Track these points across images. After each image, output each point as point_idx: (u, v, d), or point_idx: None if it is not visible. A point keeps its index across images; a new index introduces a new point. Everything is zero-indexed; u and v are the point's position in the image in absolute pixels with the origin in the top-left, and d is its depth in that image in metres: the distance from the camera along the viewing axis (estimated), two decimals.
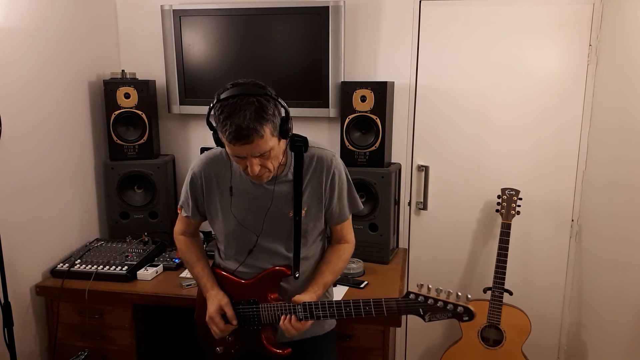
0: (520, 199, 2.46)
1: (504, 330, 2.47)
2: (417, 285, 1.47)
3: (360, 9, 2.60)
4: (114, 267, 2.30)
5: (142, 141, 2.63)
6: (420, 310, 1.45)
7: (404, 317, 2.74)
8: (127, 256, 2.40)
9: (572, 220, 2.62)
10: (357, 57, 2.65)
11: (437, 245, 2.79)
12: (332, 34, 2.49)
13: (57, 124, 2.39)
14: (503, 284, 2.44)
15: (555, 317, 2.72)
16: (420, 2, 2.57)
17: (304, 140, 1.59)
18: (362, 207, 1.75)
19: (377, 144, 2.41)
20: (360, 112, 2.41)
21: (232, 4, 2.58)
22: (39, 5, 2.24)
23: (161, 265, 2.39)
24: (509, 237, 2.43)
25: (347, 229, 1.74)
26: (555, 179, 2.60)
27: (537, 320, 2.60)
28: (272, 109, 1.39)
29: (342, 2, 2.46)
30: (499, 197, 2.50)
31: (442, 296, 1.44)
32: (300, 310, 1.55)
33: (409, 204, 2.78)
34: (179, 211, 1.79)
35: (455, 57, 2.60)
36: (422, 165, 2.72)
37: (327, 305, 1.54)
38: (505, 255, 2.43)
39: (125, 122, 2.62)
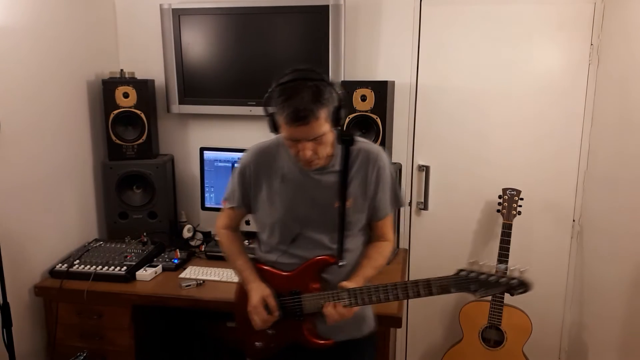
0: (522, 199, 2.45)
1: (504, 330, 2.46)
2: (468, 263, 1.46)
3: (360, 8, 2.59)
4: (112, 267, 2.29)
5: (140, 141, 2.62)
6: (471, 286, 1.43)
7: (404, 317, 2.73)
8: (126, 256, 2.39)
9: (574, 221, 2.61)
10: (357, 57, 2.64)
11: (438, 246, 2.78)
12: (332, 33, 2.48)
13: (55, 123, 2.37)
14: None
15: (557, 317, 2.71)
16: (420, 1, 2.56)
17: (352, 135, 1.64)
18: (405, 204, 1.75)
19: (377, 144, 2.40)
20: (360, 111, 2.40)
21: (232, 2, 2.57)
22: (38, 4, 2.23)
23: (160, 265, 2.38)
24: (510, 237, 2.42)
25: (388, 227, 1.74)
26: (557, 179, 2.59)
27: (538, 321, 2.59)
28: (328, 95, 1.45)
29: (342, 1, 2.45)
30: (500, 197, 2.49)
31: (494, 272, 1.42)
32: (345, 296, 1.53)
33: (410, 204, 2.76)
34: (223, 204, 1.82)
35: (455, 57, 2.58)
36: (423, 165, 2.71)
37: (372, 290, 1.52)
38: (507, 256, 2.42)
39: (124, 122, 2.61)
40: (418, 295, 1.49)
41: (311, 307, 1.60)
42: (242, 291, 1.74)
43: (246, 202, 1.73)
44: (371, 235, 1.76)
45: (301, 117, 1.41)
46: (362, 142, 1.66)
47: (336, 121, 1.50)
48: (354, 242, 1.68)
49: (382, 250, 1.70)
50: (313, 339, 1.63)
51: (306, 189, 1.62)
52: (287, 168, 1.64)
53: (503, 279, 1.40)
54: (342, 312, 1.54)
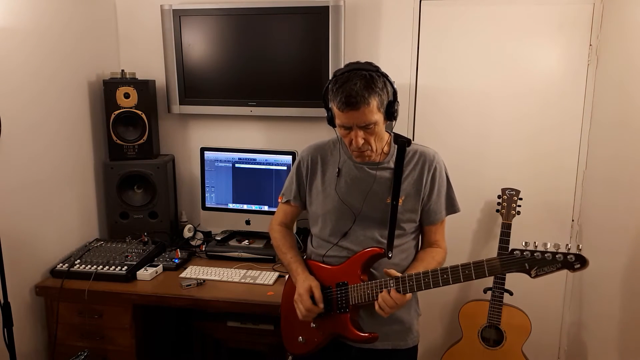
0: (521, 199, 2.46)
1: (504, 330, 2.47)
2: (522, 244, 1.42)
3: (360, 9, 2.60)
4: (113, 267, 2.29)
5: (141, 141, 2.63)
6: (526, 265, 1.38)
7: None
8: (127, 256, 2.39)
9: (573, 220, 2.61)
10: (357, 57, 2.58)
11: None
12: (332, 33, 2.49)
13: (56, 124, 2.38)
14: (503, 284, 2.44)
15: (556, 317, 2.72)
16: (420, 2, 2.57)
17: (408, 138, 1.69)
18: (460, 209, 1.75)
19: None
20: None
21: (232, 3, 2.58)
22: (39, 5, 2.24)
23: (161, 265, 2.39)
24: (509, 237, 2.43)
25: (440, 234, 1.74)
26: (556, 179, 2.59)
27: (538, 321, 2.59)
28: (381, 85, 1.50)
29: (342, 1, 2.46)
30: (499, 197, 2.49)
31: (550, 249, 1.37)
32: (392, 284, 1.51)
33: None
34: (279, 200, 1.84)
35: (455, 58, 2.59)
36: None
37: (422, 276, 1.49)
38: None
39: (125, 122, 2.62)
40: (469, 278, 1.44)
41: (357, 297, 1.59)
42: (289, 284, 1.76)
43: (301, 195, 1.77)
44: (424, 241, 1.76)
45: (352, 102, 1.45)
46: (419, 145, 1.69)
47: (389, 114, 1.56)
48: (405, 241, 1.68)
49: (435, 255, 1.68)
50: (356, 331, 1.61)
51: (360, 183, 1.65)
52: (343, 162, 1.68)
53: (559, 255, 1.35)
54: (397, 297, 1.49)
